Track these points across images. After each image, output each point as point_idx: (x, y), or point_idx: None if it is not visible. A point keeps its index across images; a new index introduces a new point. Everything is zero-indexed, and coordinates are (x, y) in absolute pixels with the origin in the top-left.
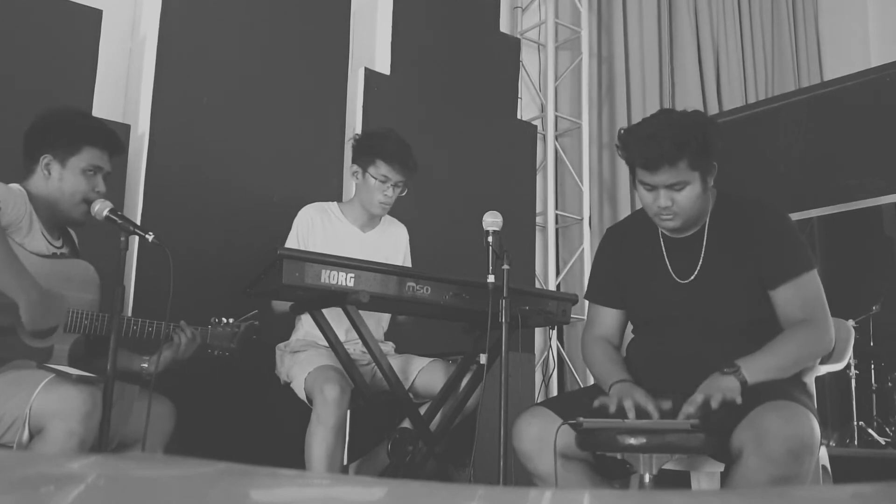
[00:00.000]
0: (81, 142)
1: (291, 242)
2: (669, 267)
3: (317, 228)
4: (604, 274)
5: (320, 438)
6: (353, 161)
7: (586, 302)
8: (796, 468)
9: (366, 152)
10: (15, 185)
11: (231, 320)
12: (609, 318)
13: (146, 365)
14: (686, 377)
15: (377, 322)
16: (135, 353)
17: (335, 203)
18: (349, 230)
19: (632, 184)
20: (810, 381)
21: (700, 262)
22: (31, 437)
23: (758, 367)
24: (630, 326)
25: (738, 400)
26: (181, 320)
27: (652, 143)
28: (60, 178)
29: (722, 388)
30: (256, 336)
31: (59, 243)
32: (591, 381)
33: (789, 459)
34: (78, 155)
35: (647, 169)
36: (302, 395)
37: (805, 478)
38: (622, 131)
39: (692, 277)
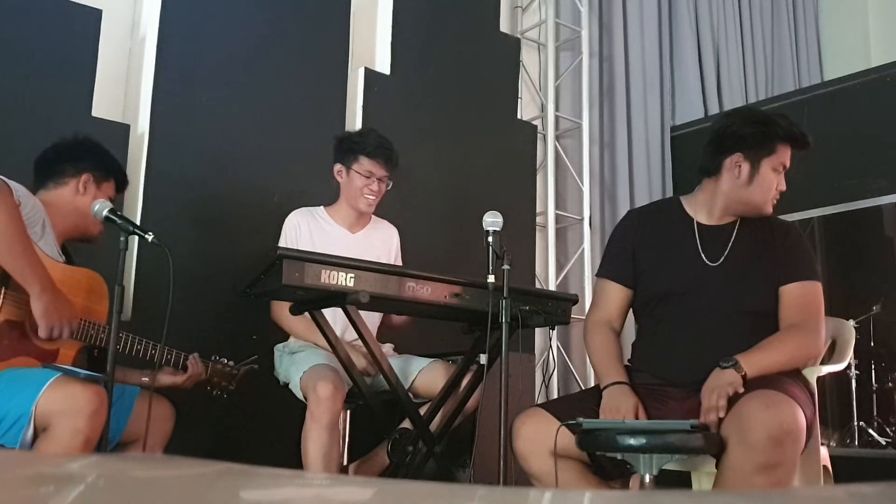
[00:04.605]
0: (114, 176)
1: None
2: (701, 250)
3: (303, 233)
4: (619, 251)
5: (315, 437)
6: (337, 161)
7: (587, 301)
8: (779, 455)
9: (348, 150)
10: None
11: (231, 363)
12: (615, 296)
13: (146, 379)
14: (697, 355)
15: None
16: (132, 369)
17: (321, 207)
18: (337, 232)
19: (749, 168)
20: (812, 379)
21: (728, 249)
22: (36, 435)
23: (755, 362)
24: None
25: (741, 390)
26: (195, 353)
27: (794, 123)
28: (95, 198)
29: (726, 383)
30: (255, 380)
31: (63, 258)
32: (592, 382)
33: (770, 446)
34: (108, 183)
35: (795, 145)
36: (300, 395)
37: (791, 466)
38: (749, 112)
39: (720, 261)
